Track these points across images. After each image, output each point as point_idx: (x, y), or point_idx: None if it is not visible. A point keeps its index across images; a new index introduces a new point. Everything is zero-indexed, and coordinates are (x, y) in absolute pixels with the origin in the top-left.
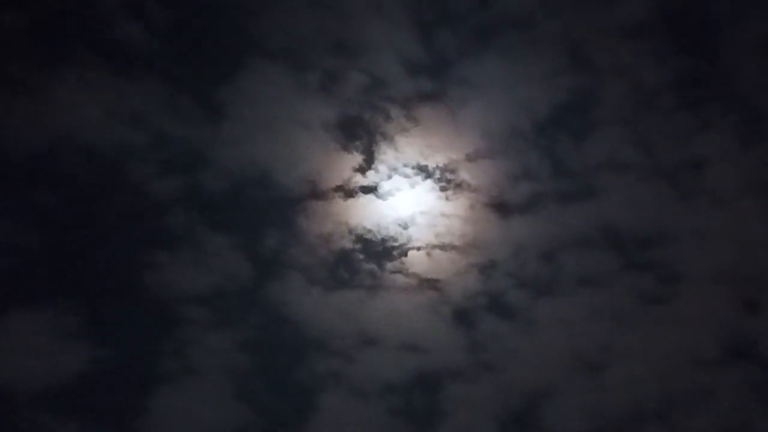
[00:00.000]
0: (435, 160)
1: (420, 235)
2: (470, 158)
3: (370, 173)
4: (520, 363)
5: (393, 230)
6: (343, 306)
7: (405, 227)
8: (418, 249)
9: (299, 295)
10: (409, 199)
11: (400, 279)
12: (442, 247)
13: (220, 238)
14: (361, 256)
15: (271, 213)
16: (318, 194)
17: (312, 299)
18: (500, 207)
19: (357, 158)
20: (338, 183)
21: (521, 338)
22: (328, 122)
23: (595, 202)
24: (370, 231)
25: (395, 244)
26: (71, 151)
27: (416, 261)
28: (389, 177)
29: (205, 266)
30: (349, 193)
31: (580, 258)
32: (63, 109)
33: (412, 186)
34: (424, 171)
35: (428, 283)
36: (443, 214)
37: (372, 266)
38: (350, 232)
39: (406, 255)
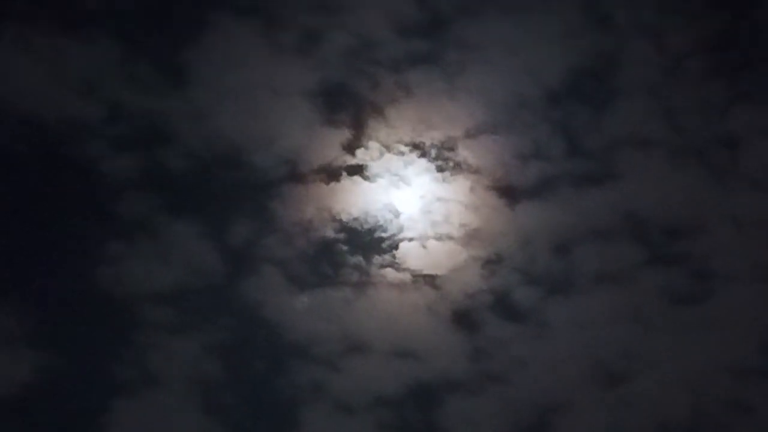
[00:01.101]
0: (430, 137)
1: (414, 223)
2: (470, 134)
3: (358, 151)
4: (530, 373)
5: (383, 218)
6: (325, 306)
7: (397, 215)
8: (411, 240)
9: (276, 294)
10: (402, 182)
11: (391, 274)
12: (439, 237)
13: (184, 227)
14: (347, 248)
15: (242, 198)
16: (297, 176)
17: (290, 298)
18: (506, 191)
19: (342, 134)
20: (320, 163)
21: (531, 344)
22: (308, 91)
23: (615, 185)
24: (356, 219)
25: (385, 234)
26: (7, 125)
27: (410, 254)
28: (379, 156)
29: (167, 260)
30: (332, 174)
31: (599, 251)
32: None
33: (405, 166)
34: (418, 148)
35: (424, 280)
36: (440, 199)
37: (359, 260)
38: (334, 219)
39: (397, 247)
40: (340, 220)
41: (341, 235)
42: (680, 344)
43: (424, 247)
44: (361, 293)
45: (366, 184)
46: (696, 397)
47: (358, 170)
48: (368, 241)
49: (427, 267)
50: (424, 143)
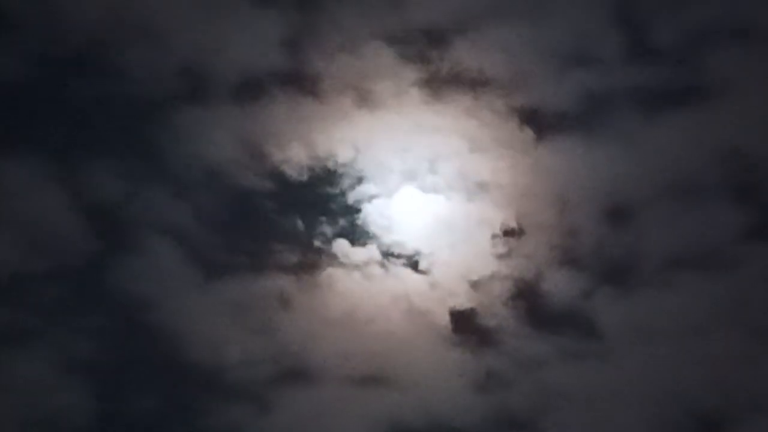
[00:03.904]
0: (411, 20)
1: (386, 170)
2: (472, 20)
3: (301, 49)
4: (573, 416)
5: (337, 160)
6: (248, 304)
7: (359, 154)
8: (381, 197)
9: (169, 285)
10: (369, 100)
11: (349, 252)
12: (425, 193)
13: (19, 170)
14: (278, 209)
15: (114, 125)
16: (200, 92)
17: (192, 292)
18: (531, 117)
19: (276, 19)
20: (238, 70)
21: (573, 367)
22: None
23: (703, 106)
24: (294, 161)
25: (341, 186)
26: None
27: (379, 219)
28: (330, 58)
29: None
30: (257, 88)
31: (677, 217)
32: None
33: (373, 73)
34: (394, 41)
35: (402, 260)
36: (428, 129)
37: (298, 227)
38: (259, 161)
39: (359, 208)
40: (269, 163)
41: (270, 187)
42: None
43: (401, 208)
44: (304, 282)
45: (311, 102)
46: None
47: (298, 78)
48: (313, 198)
49: (408, 240)
50: (402, 32)
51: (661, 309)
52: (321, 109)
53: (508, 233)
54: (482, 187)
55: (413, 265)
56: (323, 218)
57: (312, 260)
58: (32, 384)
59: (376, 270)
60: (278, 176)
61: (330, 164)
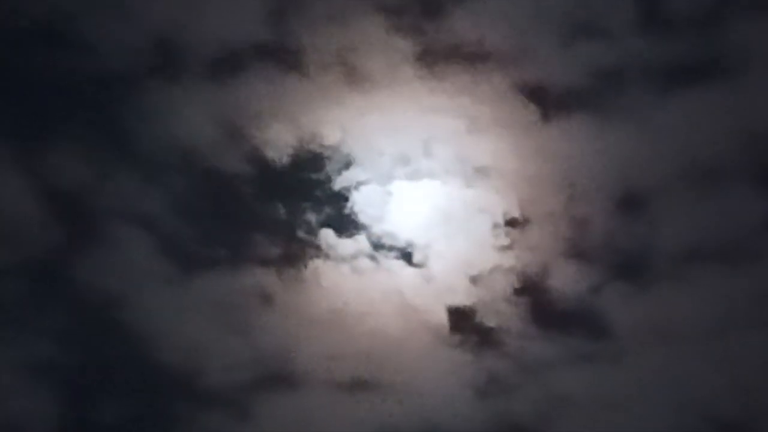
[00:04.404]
0: None
1: (376, 154)
2: None
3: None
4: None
5: (323, 143)
6: (226, 302)
7: (347, 135)
8: (372, 183)
9: (139, 280)
10: (357, 72)
11: (338, 244)
12: (418, 179)
13: None
14: (258, 195)
15: (77, 101)
16: (173, 67)
17: (167, 290)
18: (536, 93)
19: None
20: (215, 46)
21: (589, 373)
22: None
23: (727, 82)
24: (275, 144)
25: (327, 171)
26: None
27: (370, 207)
28: (310, 31)
29: None
30: (236, 62)
31: (697, 203)
32: None
33: (363, 45)
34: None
35: (396, 254)
36: (423, 108)
37: (281, 216)
38: (237, 143)
39: (348, 195)
40: (249, 145)
41: (250, 172)
42: None
43: (392, 195)
44: (286, 277)
45: (295, 79)
46: None
47: (280, 52)
48: (297, 184)
49: (400, 230)
50: (394, 1)
51: (678, 306)
52: (305, 86)
53: (510, 223)
54: (482, 171)
55: (406, 257)
56: (308, 206)
57: (296, 252)
58: None
59: (366, 263)
60: (259, 160)
61: (315, 147)
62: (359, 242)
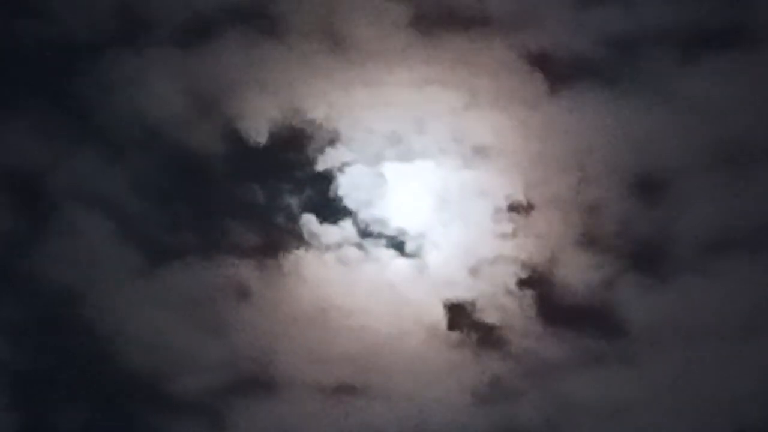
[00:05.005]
0: None
1: (363, 132)
2: None
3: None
4: None
5: (305, 116)
6: (199, 299)
7: (332, 108)
8: (359, 163)
9: (103, 272)
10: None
11: (320, 231)
12: (409, 161)
13: None
14: (229, 174)
15: (42, 66)
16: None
17: (131, 283)
18: (541, 61)
19: None
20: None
21: (615, 382)
22: None
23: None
24: (249, 118)
25: (309, 148)
26: None
27: (357, 190)
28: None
29: None
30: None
31: (729, 188)
32: None
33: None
34: None
35: (386, 243)
36: (426, 79)
37: (257, 198)
38: (205, 115)
39: (332, 177)
40: (222, 121)
41: (224, 150)
42: None
43: (382, 177)
44: (265, 269)
45: (273, 46)
46: None
47: (257, 17)
48: (276, 165)
49: (391, 216)
50: None
51: (701, 302)
52: (285, 55)
53: (514, 208)
54: (482, 151)
55: (398, 247)
56: (288, 189)
57: (274, 241)
58: None
59: (353, 253)
60: (233, 137)
61: (296, 123)
62: (345, 230)
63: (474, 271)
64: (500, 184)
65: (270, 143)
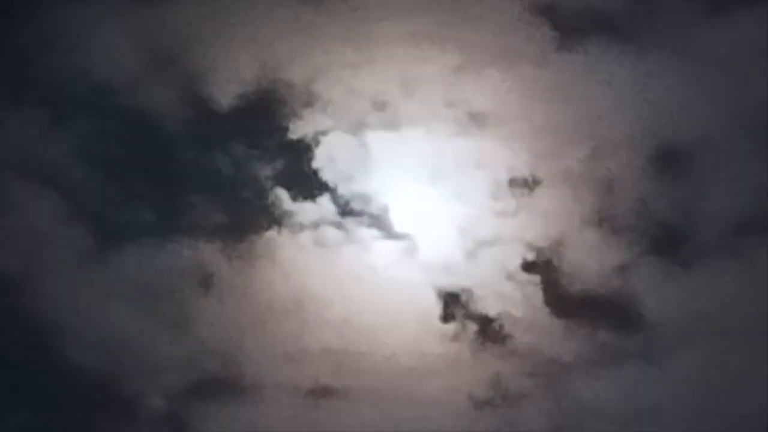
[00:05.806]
0: None
1: (345, 93)
2: None
3: None
4: None
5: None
6: (156, 287)
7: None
8: (338, 130)
9: (46, 256)
10: None
11: (296, 209)
12: (398, 129)
13: None
14: (199, 142)
15: None
16: None
17: (79, 268)
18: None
19: None
20: None
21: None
22: None
23: None
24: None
25: (289, 112)
26: None
27: (335, 161)
28: None
29: None
30: None
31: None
32: None
33: None
34: None
35: (372, 223)
36: (415, 34)
37: (224, 169)
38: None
39: (311, 146)
40: (182, 79)
41: (184, 113)
42: None
43: (365, 147)
44: (231, 251)
45: None
46: None
47: None
48: (243, 131)
49: (375, 191)
50: None
51: (728, 289)
52: (255, 5)
53: (516, 183)
54: (480, 118)
55: (384, 226)
56: (257, 160)
57: (242, 219)
58: None
59: (332, 233)
60: (195, 98)
61: (268, 84)
62: (323, 206)
63: (471, 255)
64: (501, 156)
65: (237, 106)
